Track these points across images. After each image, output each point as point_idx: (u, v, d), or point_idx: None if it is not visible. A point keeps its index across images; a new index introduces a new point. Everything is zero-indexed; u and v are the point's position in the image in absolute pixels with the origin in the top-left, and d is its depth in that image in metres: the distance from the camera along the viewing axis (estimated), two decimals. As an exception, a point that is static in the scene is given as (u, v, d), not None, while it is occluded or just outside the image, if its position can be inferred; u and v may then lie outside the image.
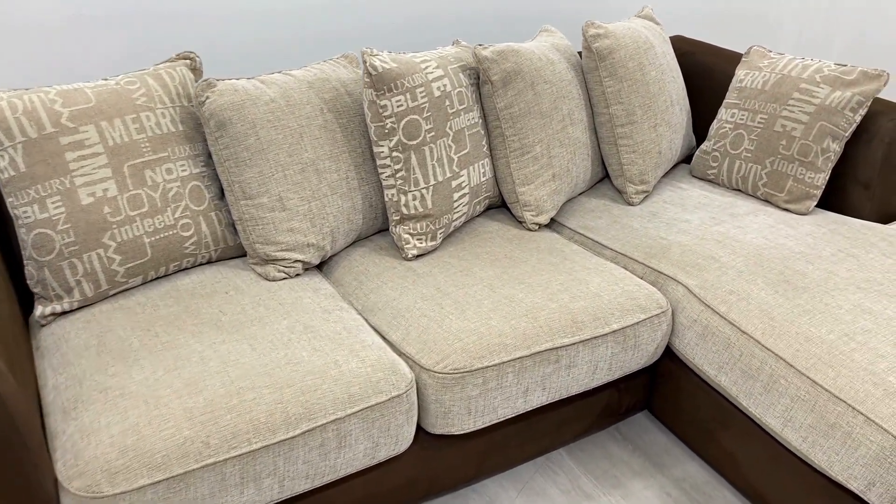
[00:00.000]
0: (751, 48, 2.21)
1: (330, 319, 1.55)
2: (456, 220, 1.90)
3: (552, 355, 1.55)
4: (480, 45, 1.91)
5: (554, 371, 1.57)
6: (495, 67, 1.90)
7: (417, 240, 1.83)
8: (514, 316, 1.57)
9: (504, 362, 1.50)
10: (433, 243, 1.85)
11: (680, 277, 1.74)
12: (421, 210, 1.82)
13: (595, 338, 1.59)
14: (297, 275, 1.76)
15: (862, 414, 1.35)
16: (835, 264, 1.72)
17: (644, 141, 2.09)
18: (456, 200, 1.87)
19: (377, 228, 1.94)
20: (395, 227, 1.84)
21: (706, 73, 2.38)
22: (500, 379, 1.50)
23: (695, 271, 1.74)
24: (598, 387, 1.73)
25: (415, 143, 1.78)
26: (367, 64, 1.72)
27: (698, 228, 1.90)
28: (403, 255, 1.82)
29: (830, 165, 1.96)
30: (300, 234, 1.73)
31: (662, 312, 1.68)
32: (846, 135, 1.93)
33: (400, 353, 1.53)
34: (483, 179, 1.97)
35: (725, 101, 2.17)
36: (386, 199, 1.84)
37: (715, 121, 2.19)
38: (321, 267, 1.88)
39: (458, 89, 1.88)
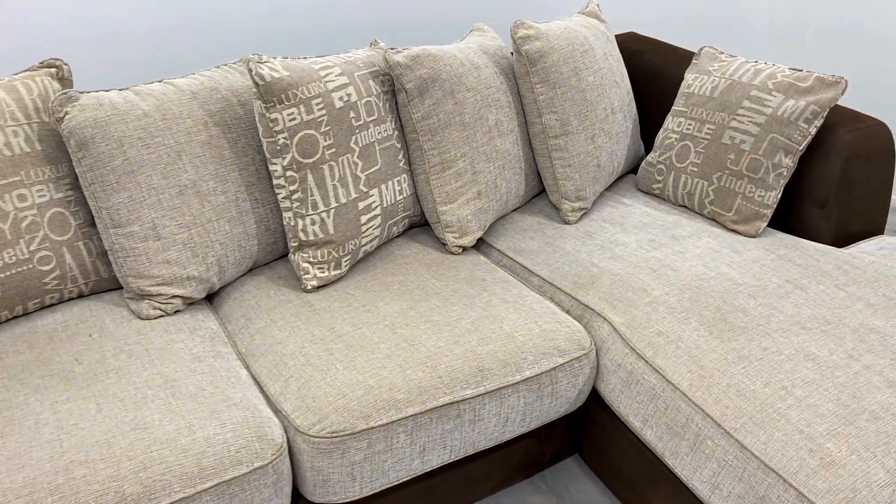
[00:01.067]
0: (702, 49, 2.01)
1: (198, 370, 1.36)
2: (366, 245, 1.70)
3: (452, 410, 1.36)
4: (393, 48, 1.71)
5: (456, 427, 1.38)
6: (409, 74, 1.70)
7: (318, 269, 1.63)
8: (411, 364, 1.38)
9: (394, 421, 1.31)
10: (337, 272, 1.65)
11: (607, 313, 1.55)
12: (321, 236, 1.62)
13: (503, 388, 1.40)
14: (177, 311, 1.56)
15: (794, 487, 1.16)
16: (780, 298, 1.53)
17: (580, 154, 1.89)
18: (364, 224, 1.67)
19: (278, 254, 1.74)
20: (294, 254, 1.64)
21: (656, 75, 2.18)
22: (390, 440, 1.31)
23: (623, 306, 1.55)
24: (513, 438, 1.54)
25: (311, 161, 1.58)
26: (254, 73, 1.52)
27: (634, 253, 1.71)
28: (302, 287, 1.63)
29: (783, 182, 1.76)
30: (178, 265, 1.54)
31: (584, 355, 1.50)
32: (800, 148, 1.74)
33: (276, 411, 1.33)
34: (400, 198, 1.77)
35: (673, 107, 1.97)
36: (284, 222, 1.64)
37: (661, 129, 1.99)
38: (213, 298, 1.68)
39: (367, 99, 1.67)
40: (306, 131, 1.56)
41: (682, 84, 1.98)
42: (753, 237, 1.78)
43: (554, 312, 1.56)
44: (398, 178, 1.76)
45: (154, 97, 1.55)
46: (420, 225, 1.92)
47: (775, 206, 1.77)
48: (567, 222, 1.91)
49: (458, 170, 1.79)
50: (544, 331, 1.49)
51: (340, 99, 1.62)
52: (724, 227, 1.82)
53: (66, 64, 1.59)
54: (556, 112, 1.86)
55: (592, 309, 1.58)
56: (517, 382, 1.42)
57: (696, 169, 1.86)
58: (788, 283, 1.58)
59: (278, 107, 1.54)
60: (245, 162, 1.63)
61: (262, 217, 1.66)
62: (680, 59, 2.17)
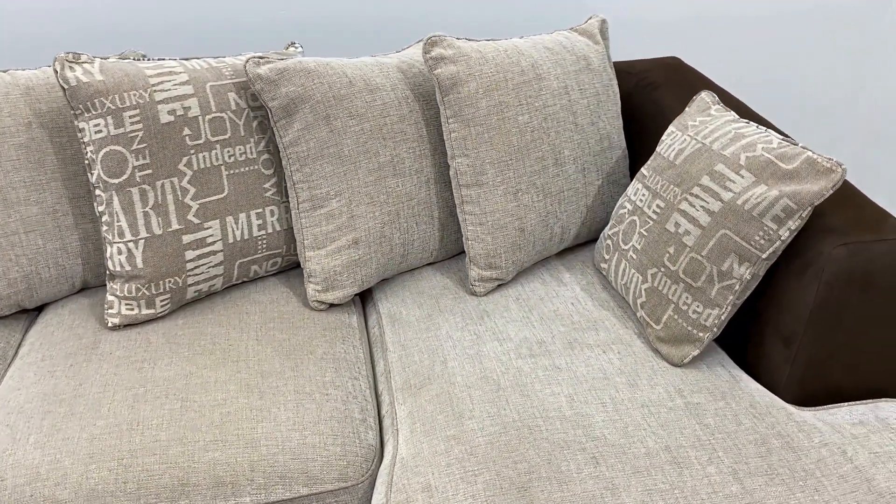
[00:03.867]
0: (697, 96, 1.50)
1: None
2: (198, 284, 1.46)
3: (126, 527, 1.09)
4: (260, 57, 1.42)
5: (139, 546, 1.10)
6: (272, 91, 1.41)
7: (126, 305, 1.42)
8: (108, 457, 1.12)
9: (42, 526, 1.06)
10: (150, 312, 1.43)
11: (401, 436, 1.18)
12: (128, 268, 1.39)
13: (205, 512, 1.10)
14: (-34, 328, 1.43)
15: None
16: (634, 475, 1.06)
17: (496, 211, 1.49)
18: (192, 260, 1.42)
19: (115, 276, 1.55)
20: (107, 282, 1.44)
21: (662, 120, 1.69)
22: (40, 545, 1.07)
23: (422, 432, 1.16)
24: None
25: (117, 182, 1.35)
26: (58, 74, 1.32)
27: (501, 357, 1.30)
28: (104, 322, 1.42)
29: (732, 300, 1.25)
30: (-32, 278, 1.39)
31: (344, 489, 1.14)
32: (762, 256, 1.21)
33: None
34: (260, 234, 1.50)
35: (642, 168, 1.49)
36: (107, 244, 1.44)
37: (623, 194, 1.52)
38: (42, 311, 1.53)
39: (217, 114, 1.41)
40: (112, 147, 1.34)
41: (661, 139, 1.49)
42: (677, 365, 1.28)
43: (345, 420, 1.21)
44: (259, 210, 1.48)
45: (-24, 89, 1.40)
46: (309, 265, 1.64)
47: (718, 330, 1.26)
48: (474, 293, 1.53)
49: (331, 210, 1.47)
50: (304, 445, 1.16)
51: (170, 112, 1.37)
52: (648, 342, 1.34)
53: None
54: (469, 156, 1.47)
55: (397, 425, 1.21)
56: (226, 510, 1.11)
57: (635, 256, 1.38)
58: (667, 451, 1.10)
59: (85, 115, 1.33)
60: (74, 171, 1.45)
61: (90, 234, 1.47)
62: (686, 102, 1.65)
